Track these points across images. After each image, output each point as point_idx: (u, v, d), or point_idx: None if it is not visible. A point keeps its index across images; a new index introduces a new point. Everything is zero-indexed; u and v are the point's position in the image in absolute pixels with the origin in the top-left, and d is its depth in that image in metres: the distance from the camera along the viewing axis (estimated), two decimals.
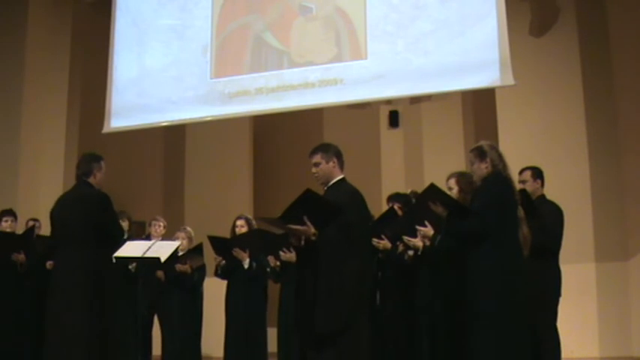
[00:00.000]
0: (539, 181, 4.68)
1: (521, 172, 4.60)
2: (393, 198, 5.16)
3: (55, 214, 4.43)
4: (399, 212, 4.92)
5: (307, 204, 3.63)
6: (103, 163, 4.47)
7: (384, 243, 4.68)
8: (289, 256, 5.00)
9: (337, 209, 3.61)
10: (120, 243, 4.74)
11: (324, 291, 3.57)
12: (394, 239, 4.67)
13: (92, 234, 4.22)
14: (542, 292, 4.29)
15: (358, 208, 3.79)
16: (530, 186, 4.57)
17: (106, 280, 4.23)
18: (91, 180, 4.40)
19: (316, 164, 3.88)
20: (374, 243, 4.63)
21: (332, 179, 3.87)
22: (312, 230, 3.64)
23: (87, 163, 4.43)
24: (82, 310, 4.11)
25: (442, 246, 4.03)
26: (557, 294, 4.54)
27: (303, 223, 3.64)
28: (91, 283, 4.15)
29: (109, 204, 4.34)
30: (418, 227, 4.14)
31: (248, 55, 6.96)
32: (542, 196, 4.67)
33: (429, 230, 4.09)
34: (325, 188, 3.89)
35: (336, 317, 3.56)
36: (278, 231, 4.45)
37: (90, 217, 4.24)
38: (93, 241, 4.23)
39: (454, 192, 4.15)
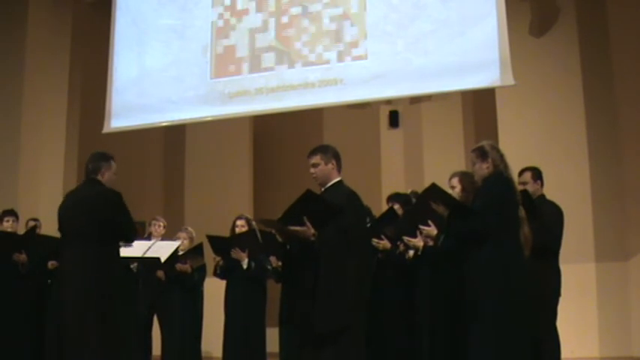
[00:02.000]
0: (539, 182, 4.68)
1: (520, 174, 4.59)
2: (393, 198, 5.16)
3: (64, 211, 4.36)
4: (399, 212, 4.92)
5: (307, 205, 3.63)
6: (113, 163, 4.41)
7: (384, 243, 4.67)
8: None
9: (337, 210, 3.62)
10: (131, 241, 4.69)
11: (324, 291, 3.58)
12: (394, 239, 4.67)
13: (103, 232, 4.18)
14: (542, 292, 4.29)
15: (356, 209, 3.80)
16: (531, 187, 4.57)
17: (113, 279, 4.22)
18: (99, 178, 4.34)
19: (315, 165, 3.89)
20: (374, 243, 4.63)
21: (330, 181, 3.88)
22: (312, 231, 3.65)
23: (95, 161, 4.38)
24: (88, 309, 4.10)
25: (446, 246, 4.03)
26: (557, 294, 4.54)
27: (303, 224, 3.65)
28: (100, 282, 4.13)
29: (122, 202, 4.29)
30: (422, 227, 4.14)
31: (248, 55, 6.96)
32: (542, 197, 4.67)
33: (432, 230, 4.09)
34: (323, 189, 3.90)
35: (336, 317, 3.56)
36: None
37: (102, 215, 4.19)
38: (102, 238, 4.19)
39: (457, 191, 4.15)
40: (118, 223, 4.25)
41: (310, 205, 3.64)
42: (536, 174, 4.68)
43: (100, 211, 4.20)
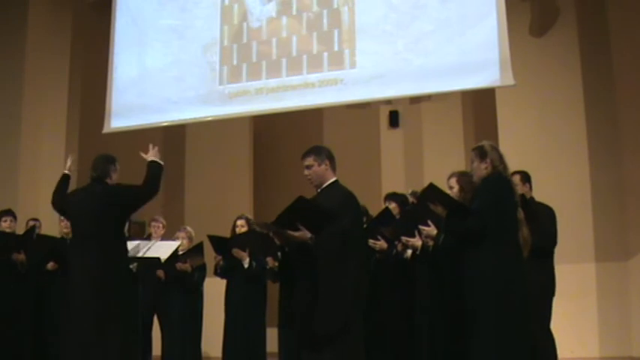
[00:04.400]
0: (527, 185, 4.71)
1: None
2: (389, 197, 5.14)
3: (72, 210, 4.45)
4: (395, 212, 4.90)
5: (299, 211, 3.61)
6: (117, 165, 4.54)
7: (380, 244, 4.66)
8: None
9: (330, 215, 3.60)
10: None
11: (324, 294, 3.57)
12: (392, 239, 4.66)
13: (112, 230, 4.28)
14: (537, 293, 4.28)
15: (352, 210, 3.76)
16: (520, 189, 4.55)
17: (119, 277, 4.26)
18: (108, 181, 4.45)
19: (308, 167, 3.84)
20: (370, 244, 4.61)
21: (325, 182, 3.84)
22: (309, 235, 3.62)
23: (103, 165, 4.47)
24: (91, 308, 4.12)
25: (445, 246, 4.02)
26: (551, 294, 4.54)
27: (298, 229, 3.63)
28: (106, 280, 4.17)
29: (124, 184, 4.44)
30: (422, 227, 4.14)
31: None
32: (532, 199, 4.69)
33: (432, 230, 4.09)
34: (318, 190, 3.86)
35: (337, 319, 3.56)
36: None
37: (111, 210, 4.29)
38: (110, 238, 4.27)
39: (455, 191, 4.14)
40: (129, 192, 4.40)
41: (302, 211, 3.62)
42: (525, 177, 4.72)
43: (110, 206, 4.29)
